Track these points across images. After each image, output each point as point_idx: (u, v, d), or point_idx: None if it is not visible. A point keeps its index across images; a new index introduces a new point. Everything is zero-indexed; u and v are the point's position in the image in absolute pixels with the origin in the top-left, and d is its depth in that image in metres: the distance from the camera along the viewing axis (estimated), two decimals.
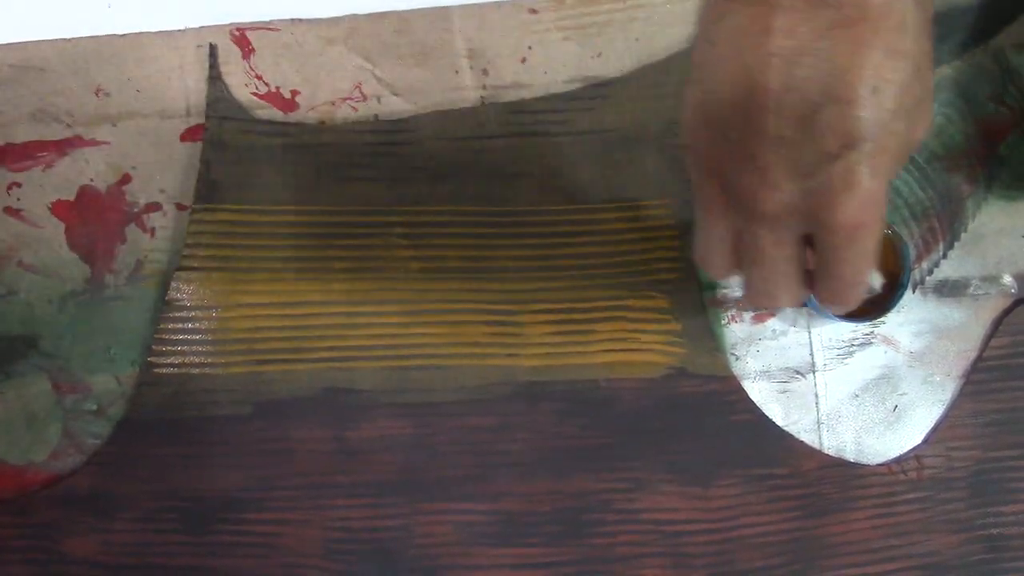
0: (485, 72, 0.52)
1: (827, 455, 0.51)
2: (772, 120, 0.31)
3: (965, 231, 0.53)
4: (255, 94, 0.51)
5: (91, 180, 0.51)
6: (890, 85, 0.31)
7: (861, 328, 0.52)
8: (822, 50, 0.30)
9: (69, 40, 0.51)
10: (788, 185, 0.32)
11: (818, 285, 0.37)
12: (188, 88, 0.51)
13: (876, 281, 0.46)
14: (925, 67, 0.32)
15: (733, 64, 0.32)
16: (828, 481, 0.51)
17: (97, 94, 0.51)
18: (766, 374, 0.52)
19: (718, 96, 0.33)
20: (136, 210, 0.51)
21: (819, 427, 0.52)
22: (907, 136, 0.33)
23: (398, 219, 0.51)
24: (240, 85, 0.51)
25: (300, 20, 0.51)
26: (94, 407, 0.50)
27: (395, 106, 0.52)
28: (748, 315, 0.52)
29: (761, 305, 0.39)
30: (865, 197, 0.32)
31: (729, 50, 0.32)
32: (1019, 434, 0.52)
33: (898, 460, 0.52)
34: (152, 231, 0.51)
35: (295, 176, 0.51)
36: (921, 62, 0.32)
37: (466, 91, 0.52)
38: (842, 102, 0.30)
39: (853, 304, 0.38)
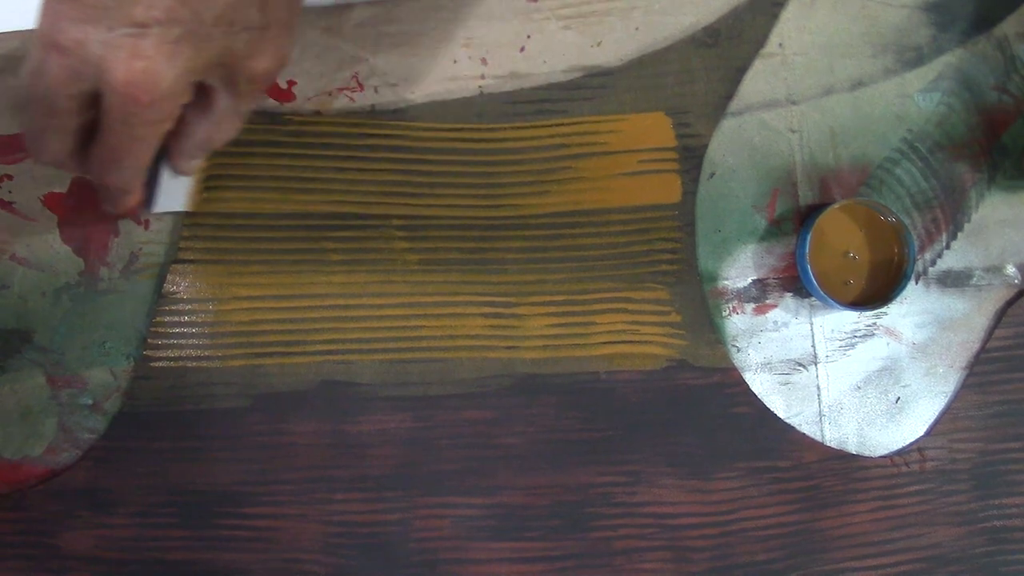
0: (484, 61, 0.51)
1: (829, 447, 0.51)
2: None
3: (968, 221, 0.52)
4: None
5: None
6: None
7: (863, 319, 0.52)
8: None
9: None
10: (92, 30, 0.34)
11: (90, 150, 0.39)
12: None
13: (162, 203, 0.45)
14: (275, 2, 0.36)
15: None
16: (830, 473, 0.51)
17: None
18: (767, 366, 0.51)
19: None
20: None
21: (821, 419, 0.51)
22: (236, 53, 0.36)
23: (396, 211, 0.51)
24: None
25: None
26: (89, 401, 0.50)
27: (392, 96, 0.51)
28: (749, 307, 0.52)
29: (30, 147, 0.40)
30: (145, 71, 0.34)
31: None
32: (1022, 426, 0.51)
33: (900, 452, 0.51)
34: (146, 223, 0.50)
35: (291, 168, 0.50)
36: None
37: (464, 81, 0.51)
38: None
39: (113, 194, 0.41)
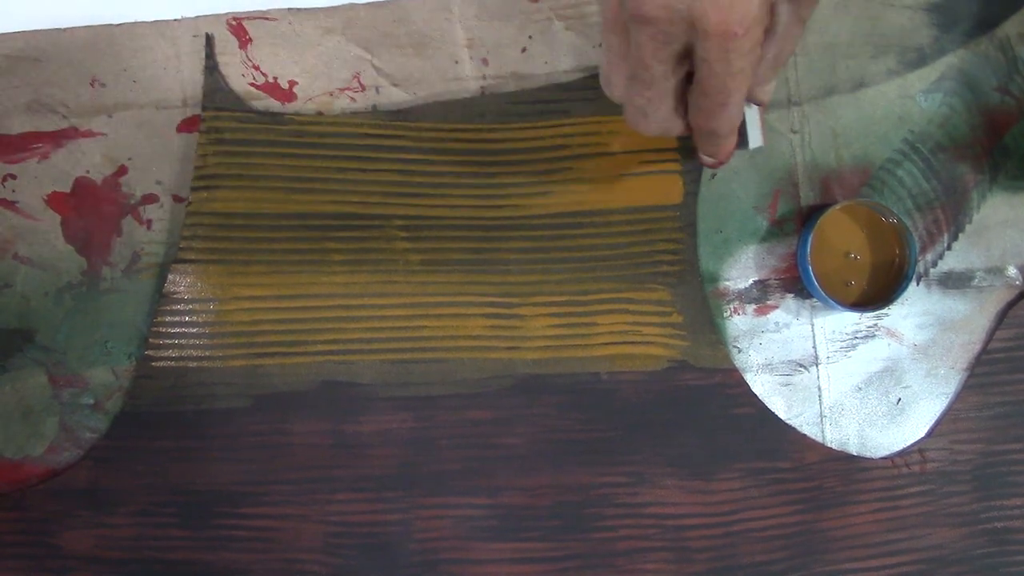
0: (485, 62, 0.51)
1: (830, 448, 0.51)
2: None
3: (970, 222, 0.52)
4: (252, 84, 0.51)
5: (87, 172, 0.50)
6: None
7: (864, 320, 0.52)
8: None
9: (64, 30, 0.50)
10: None
11: (691, 105, 0.40)
12: (184, 78, 0.51)
13: (754, 138, 0.45)
14: None
15: None
16: (831, 474, 0.51)
17: (93, 85, 0.50)
18: (769, 367, 0.51)
19: None
20: (132, 202, 0.50)
21: (822, 420, 0.51)
22: None
23: (397, 211, 0.51)
24: (237, 75, 0.51)
25: (298, 9, 0.51)
26: (91, 401, 0.50)
27: (394, 96, 0.51)
28: (751, 308, 0.52)
29: (636, 125, 0.42)
30: (734, 5, 0.35)
31: None
32: (1023, 427, 0.51)
33: (901, 453, 0.51)
34: (148, 223, 0.50)
35: (293, 168, 0.50)
36: None
37: (466, 81, 0.51)
38: None
39: (720, 140, 0.41)
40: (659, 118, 0.41)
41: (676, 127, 0.42)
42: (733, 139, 0.43)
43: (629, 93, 0.40)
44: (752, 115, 0.44)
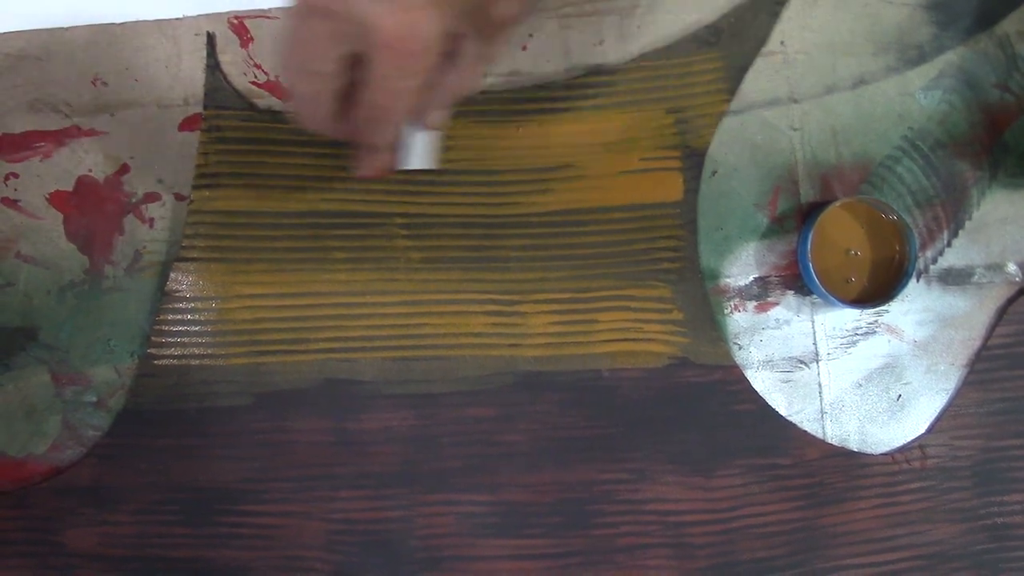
0: None
1: (830, 444, 0.51)
2: None
3: (969, 219, 0.52)
4: (254, 83, 0.51)
5: (89, 170, 0.50)
6: None
7: (865, 316, 0.52)
8: None
9: (66, 29, 0.50)
10: None
11: (353, 112, 0.39)
12: (186, 77, 0.51)
13: (416, 159, 0.45)
14: None
15: None
16: (831, 471, 0.51)
17: (94, 84, 0.50)
18: (769, 364, 0.52)
19: None
20: (134, 200, 0.51)
21: (823, 416, 0.51)
22: (485, 1, 0.36)
23: (398, 209, 0.51)
24: (239, 74, 0.51)
25: None
26: (94, 399, 0.50)
27: None
28: (751, 305, 0.52)
29: (297, 116, 0.41)
30: (411, 23, 0.35)
31: None
32: (1023, 423, 0.51)
33: (902, 449, 0.51)
34: (151, 221, 0.51)
35: (294, 166, 0.50)
36: None
37: None
38: None
39: (374, 154, 0.41)
40: (318, 116, 0.40)
41: (335, 130, 0.41)
42: (387, 156, 0.43)
43: (297, 81, 0.39)
44: (425, 137, 0.44)
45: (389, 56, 0.36)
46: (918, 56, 0.53)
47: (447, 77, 0.40)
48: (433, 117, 0.42)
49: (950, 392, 0.52)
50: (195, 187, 0.50)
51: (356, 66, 0.37)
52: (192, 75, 0.51)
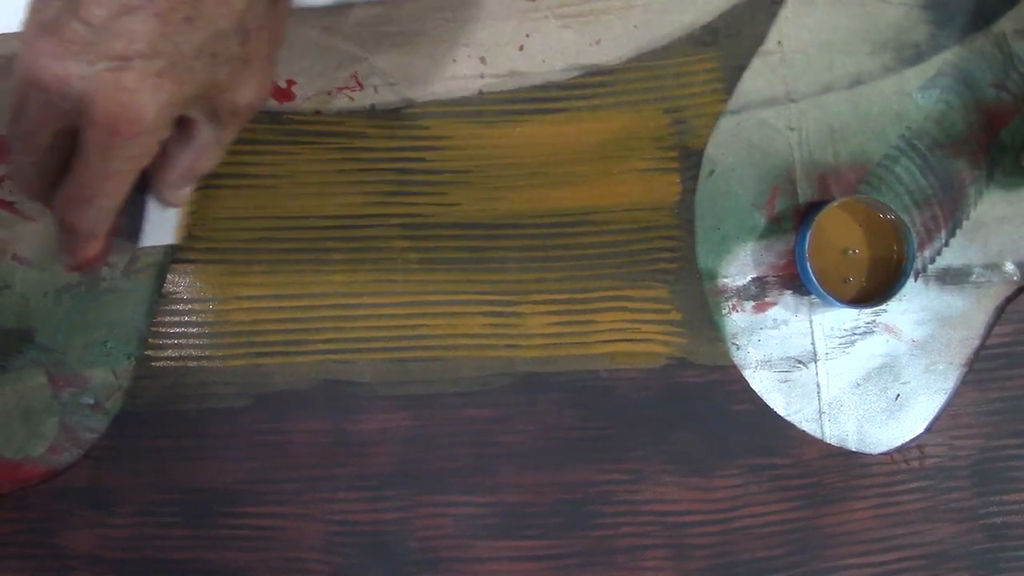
0: (483, 61, 0.51)
1: (829, 444, 0.51)
2: (94, 3, 0.33)
3: (967, 218, 0.52)
4: None
5: None
6: (205, 24, 0.34)
7: (863, 316, 0.52)
8: None
9: None
10: (73, 65, 0.33)
11: (59, 192, 0.38)
12: None
13: (153, 234, 0.44)
14: (256, 33, 0.36)
15: None
16: (830, 471, 0.51)
17: None
18: (767, 363, 0.52)
19: None
20: None
21: (821, 416, 0.51)
22: (218, 85, 0.35)
23: (396, 210, 0.51)
24: None
25: (295, 9, 0.51)
26: (91, 401, 0.50)
27: (392, 95, 0.51)
28: (749, 305, 0.52)
29: (13, 180, 0.40)
30: (130, 105, 0.33)
31: None
32: (1022, 422, 0.51)
33: (900, 449, 0.51)
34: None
35: (291, 167, 0.50)
36: (250, 25, 0.35)
37: (464, 80, 0.51)
38: (157, 15, 0.33)
39: (78, 239, 0.39)
40: (33, 185, 0.38)
41: (47, 201, 0.39)
42: (94, 245, 0.41)
43: (13, 145, 0.37)
44: (160, 213, 0.43)
45: (104, 136, 0.34)
46: (915, 55, 0.53)
47: (181, 156, 0.39)
48: (169, 195, 0.41)
49: (949, 391, 0.52)
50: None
51: (69, 139, 0.36)
52: None
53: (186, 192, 0.42)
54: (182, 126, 0.38)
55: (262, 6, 0.35)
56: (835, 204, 0.50)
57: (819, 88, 0.52)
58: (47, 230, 0.50)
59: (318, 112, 0.51)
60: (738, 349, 0.51)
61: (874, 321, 0.52)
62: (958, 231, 0.52)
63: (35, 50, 0.34)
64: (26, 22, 0.35)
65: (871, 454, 0.51)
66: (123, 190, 0.37)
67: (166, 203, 0.42)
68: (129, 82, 0.33)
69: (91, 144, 0.35)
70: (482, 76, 0.51)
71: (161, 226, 0.44)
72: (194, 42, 0.34)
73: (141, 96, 0.34)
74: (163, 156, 0.39)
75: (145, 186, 0.41)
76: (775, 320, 0.52)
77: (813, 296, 0.51)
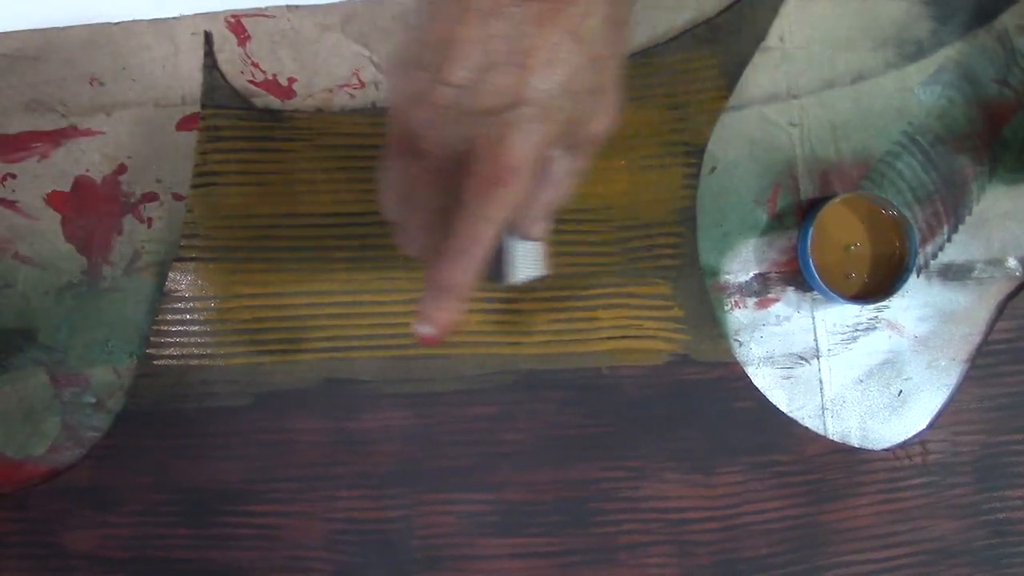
0: None
1: (832, 441, 0.51)
2: (456, 65, 0.33)
3: (969, 214, 0.52)
4: (251, 82, 0.51)
5: (86, 170, 0.50)
6: (563, 64, 0.34)
7: (865, 312, 0.52)
8: (514, 15, 0.33)
9: (63, 29, 0.50)
10: (451, 127, 0.34)
11: (442, 243, 0.38)
12: (183, 76, 0.51)
13: (515, 271, 0.43)
14: (607, 62, 0.35)
15: (440, 12, 0.34)
16: (833, 467, 0.51)
17: (91, 83, 0.50)
18: (770, 360, 0.51)
19: (420, 36, 0.35)
20: (132, 200, 0.50)
21: (823, 413, 0.51)
22: (578, 119, 0.35)
23: None
24: (236, 73, 0.51)
25: (296, 6, 0.51)
26: (92, 400, 0.50)
27: None
28: (751, 301, 0.52)
29: (403, 247, 0.40)
30: (510, 155, 0.34)
31: (440, 1, 0.35)
32: None
33: (903, 445, 0.51)
34: (149, 221, 0.50)
35: (293, 165, 0.50)
36: (602, 55, 0.35)
37: None
38: (517, 64, 0.33)
39: (443, 296, 0.38)
40: (422, 245, 0.39)
41: (431, 250, 0.39)
42: (461, 306, 0.39)
43: (399, 215, 0.39)
44: (525, 247, 0.43)
45: (486, 187, 0.35)
46: (917, 51, 0.53)
47: (541, 192, 0.39)
48: (534, 229, 0.41)
49: (951, 387, 0.52)
50: (193, 186, 0.50)
51: (452, 190, 0.36)
52: (189, 74, 0.51)
53: (548, 224, 0.41)
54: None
55: (610, 33, 0.35)
56: (837, 200, 0.50)
57: (821, 84, 0.52)
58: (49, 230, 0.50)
59: (319, 110, 0.51)
60: (740, 346, 0.51)
61: (876, 317, 0.52)
62: (960, 227, 0.52)
63: (413, 120, 0.35)
64: (393, 96, 0.36)
65: (873, 450, 0.51)
66: (497, 237, 0.37)
67: (531, 238, 0.42)
68: (505, 134, 0.34)
69: (471, 196, 0.35)
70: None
71: (530, 259, 0.43)
72: (556, 82, 0.34)
73: (516, 144, 0.34)
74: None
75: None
76: (777, 316, 0.52)
77: (815, 292, 0.51)
